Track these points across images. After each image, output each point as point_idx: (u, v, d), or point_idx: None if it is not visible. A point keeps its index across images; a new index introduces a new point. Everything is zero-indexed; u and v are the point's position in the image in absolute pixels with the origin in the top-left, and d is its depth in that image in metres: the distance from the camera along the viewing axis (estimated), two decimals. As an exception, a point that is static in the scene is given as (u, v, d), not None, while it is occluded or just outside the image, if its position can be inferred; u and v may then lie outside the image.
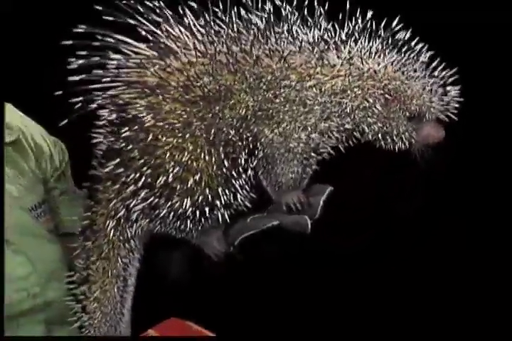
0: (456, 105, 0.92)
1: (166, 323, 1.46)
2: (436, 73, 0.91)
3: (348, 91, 0.89)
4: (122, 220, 1.00)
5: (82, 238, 1.04)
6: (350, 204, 1.42)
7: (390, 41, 0.89)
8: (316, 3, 0.88)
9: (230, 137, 0.90)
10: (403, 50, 0.90)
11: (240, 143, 0.91)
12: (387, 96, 0.90)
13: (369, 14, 0.88)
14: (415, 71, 0.90)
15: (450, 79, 0.92)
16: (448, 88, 0.92)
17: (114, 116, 0.92)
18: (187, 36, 0.89)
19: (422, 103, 0.90)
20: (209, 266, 0.99)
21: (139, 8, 0.86)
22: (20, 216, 1.03)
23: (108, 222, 1.00)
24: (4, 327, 1.00)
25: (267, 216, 0.95)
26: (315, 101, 0.89)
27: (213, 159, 0.91)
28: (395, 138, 0.92)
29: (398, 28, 0.89)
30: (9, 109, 1.10)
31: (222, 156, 0.91)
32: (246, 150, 0.91)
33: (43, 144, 1.11)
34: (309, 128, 0.91)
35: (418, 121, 0.92)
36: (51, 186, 1.12)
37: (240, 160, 0.91)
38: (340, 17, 0.89)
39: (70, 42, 0.86)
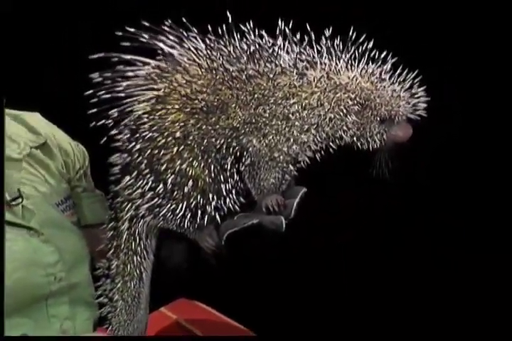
0: (424, 105, 1.00)
1: (176, 303, 1.60)
2: (402, 78, 0.99)
3: (325, 104, 0.99)
4: (134, 220, 1.11)
5: (107, 240, 1.15)
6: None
7: (356, 54, 0.98)
8: (289, 30, 0.98)
9: (220, 145, 1.01)
10: (369, 60, 0.99)
11: (228, 151, 1.01)
12: (358, 106, 0.99)
13: (327, 32, 0.98)
14: (383, 79, 0.99)
15: (416, 81, 0.99)
16: (415, 90, 1.00)
17: (126, 131, 1.03)
18: (194, 54, 1.00)
19: (391, 108, 0.99)
20: (204, 257, 1.08)
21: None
22: (48, 210, 1.13)
23: (124, 223, 1.11)
24: (35, 307, 1.09)
25: (251, 215, 1.04)
26: (296, 116, 1.00)
27: (206, 166, 1.02)
28: (368, 139, 1.01)
29: (361, 40, 0.98)
30: (36, 116, 1.23)
31: (213, 162, 1.01)
32: (233, 157, 1.01)
33: (67, 147, 1.23)
34: (291, 141, 1.01)
35: (389, 123, 1.01)
36: (74, 184, 1.23)
37: (226, 166, 1.01)
38: (308, 37, 0.98)
39: (95, 56, 0.95)
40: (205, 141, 1.01)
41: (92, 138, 1.07)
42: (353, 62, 1.00)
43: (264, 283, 1.84)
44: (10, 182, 1.10)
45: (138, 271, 1.15)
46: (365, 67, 1.00)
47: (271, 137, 1.01)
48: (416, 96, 1.00)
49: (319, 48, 0.99)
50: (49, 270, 1.10)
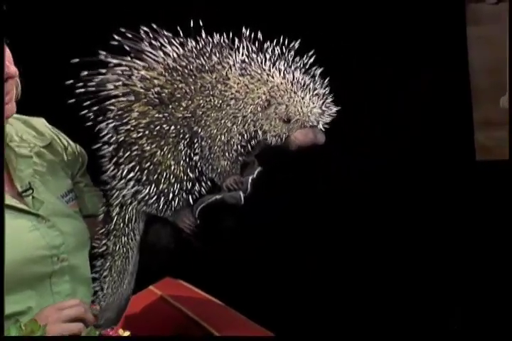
0: (328, 120, 1.10)
1: (163, 282, 1.64)
2: (320, 85, 1.10)
3: (247, 98, 1.12)
4: (124, 207, 1.26)
5: (101, 224, 1.29)
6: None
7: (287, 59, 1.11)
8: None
9: (176, 133, 1.15)
10: (298, 68, 1.10)
11: (184, 139, 1.16)
12: (266, 103, 1.10)
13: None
14: (304, 86, 1.08)
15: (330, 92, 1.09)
16: (328, 105, 1.09)
17: (108, 125, 1.19)
18: (153, 52, 1.17)
19: (297, 112, 1.08)
20: (185, 237, 1.23)
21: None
22: (54, 201, 1.27)
23: (114, 209, 1.26)
24: (40, 284, 1.20)
25: (215, 194, 1.18)
26: (229, 107, 1.12)
27: (168, 153, 1.17)
28: (273, 137, 1.12)
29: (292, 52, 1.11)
30: (42, 121, 1.37)
31: (172, 149, 1.16)
32: (187, 145, 1.16)
33: (69, 147, 1.37)
34: (227, 131, 1.13)
35: (294, 126, 1.10)
36: (77, 180, 1.37)
37: (185, 153, 1.16)
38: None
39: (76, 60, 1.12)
40: (164, 129, 1.16)
41: (88, 142, 1.25)
42: (285, 68, 1.11)
43: (245, 263, 1.97)
44: (22, 176, 1.24)
45: (125, 250, 1.29)
46: (292, 71, 1.10)
47: (211, 128, 1.14)
48: (327, 105, 1.10)
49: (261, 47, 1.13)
50: (53, 251, 1.22)
